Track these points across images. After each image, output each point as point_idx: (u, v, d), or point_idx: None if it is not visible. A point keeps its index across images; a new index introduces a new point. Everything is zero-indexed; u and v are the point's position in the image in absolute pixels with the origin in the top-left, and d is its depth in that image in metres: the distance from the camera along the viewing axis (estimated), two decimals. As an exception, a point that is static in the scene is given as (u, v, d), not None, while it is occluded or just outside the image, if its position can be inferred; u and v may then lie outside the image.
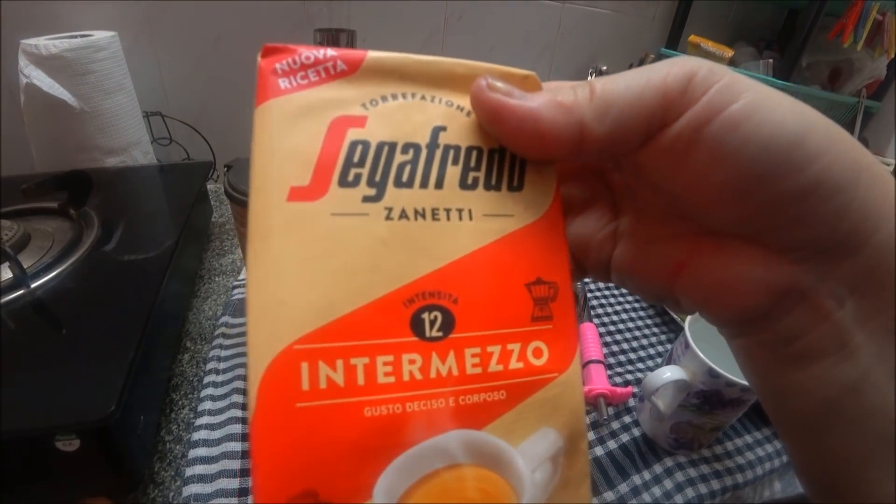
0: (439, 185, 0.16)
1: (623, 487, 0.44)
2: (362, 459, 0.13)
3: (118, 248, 0.49)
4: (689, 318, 0.44)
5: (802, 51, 0.93)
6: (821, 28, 0.93)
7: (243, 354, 0.49)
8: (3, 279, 0.42)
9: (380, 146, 0.15)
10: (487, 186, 0.16)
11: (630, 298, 0.69)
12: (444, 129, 0.16)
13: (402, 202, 0.15)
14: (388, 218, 0.15)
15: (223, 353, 0.49)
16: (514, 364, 0.15)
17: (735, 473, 0.47)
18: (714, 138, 0.14)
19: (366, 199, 0.15)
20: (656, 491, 0.44)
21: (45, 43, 0.61)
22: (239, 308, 0.55)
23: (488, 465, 0.14)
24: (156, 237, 0.51)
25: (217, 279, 0.61)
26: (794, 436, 0.17)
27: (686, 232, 0.17)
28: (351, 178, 0.15)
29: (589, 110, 0.15)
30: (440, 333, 0.14)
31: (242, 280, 0.60)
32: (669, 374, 0.41)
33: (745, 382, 0.38)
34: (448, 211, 0.15)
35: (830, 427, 0.15)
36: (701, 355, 0.40)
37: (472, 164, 0.16)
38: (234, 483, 0.39)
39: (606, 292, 0.69)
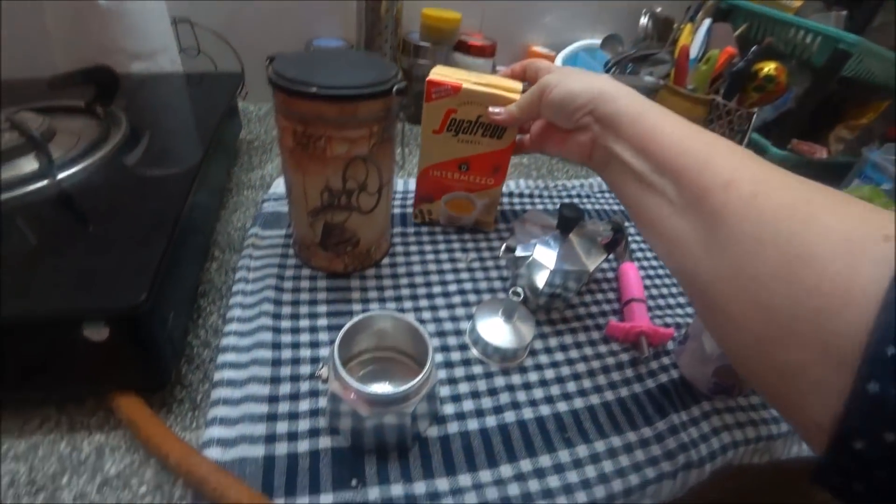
0: (476, 133, 0.50)
1: (661, 424, 0.42)
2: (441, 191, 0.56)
3: (147, 150, 0.47)
4: None
5: (878, 10, 0.87)
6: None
7: (273, 265, 0.48)
8: (28, 170, 0.40)
9: (461, 121, 0.50)
10: (491, 136, 0.50)
11: (670, 246, 0.66)
12: (482, 115, 0.49)
13: (463, 138, 0.51)
14: (458, 141, 0.51)
15: (252, 264, 0.48)
16: (485, 182, 0.54)
17: (770, 424, 0.45)
18: (547, 102, 0.43)
19: (453, 135, 0.51)
20: (693, 431, 0.42)
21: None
22: (269, 220, 0.53)
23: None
24: (185, 143, 0.49)
25: (246, 192, 0.59)
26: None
27: (563, 132, 0.45)
28: (449, 129, 0.50)
29: (518, 113, 0.47)
30: (467, 170, 0.53)
31: (273, 193, 0.57)
32: None
33: None
34: (479, 143, 0.51)
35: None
36: None
37: (488, 129, 0.50)
38: (264, 389, 0.38)
39: (646, 238, 0.66)
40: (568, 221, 0.44)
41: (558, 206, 0.50)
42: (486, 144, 0.51)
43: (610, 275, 0.58)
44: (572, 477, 0.37)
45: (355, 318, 0.35)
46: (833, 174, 0.88)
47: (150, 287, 0.32)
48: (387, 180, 0.44)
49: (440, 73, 0.49)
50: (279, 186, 0.59)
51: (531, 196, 0.68)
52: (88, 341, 0.31)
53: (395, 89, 0.38)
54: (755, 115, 0.86)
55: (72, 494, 0.31)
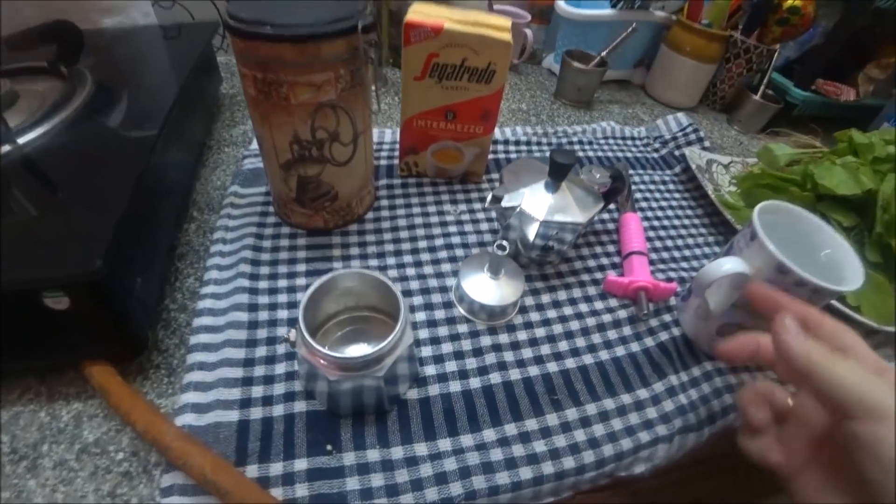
0: (461, 79, 0.47)
1: (658, 386, 0.40)
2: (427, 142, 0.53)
3: (112, 108, 0.44)
4: (759, 205, 0.38)
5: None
6: None
7: (252, 224, 0.46)
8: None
9: (444, 66, 0.46)
10: (478, 81, 0.47)
11: (677, 195, 0.62)
12: (467, 59, 0.45)
13: (449, 84, 0.47)
14: (442, 87, 0.47)
15: (231, 223, 0.46)
16: (474, 130, 0.51)
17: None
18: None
19: (436, 82, 0.47)
20: (693, 393, 0.40)
21: None
22: (249, 177, 0.50)
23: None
24: (153, 98, 0.46)
25: (226, 150, 0.57)
26: None
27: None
28: (432, 75, 0.46)
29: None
30: (454, 119, 0.50)
31: (253, 150, 0.55)
32: (730, 265, 0.35)
33: (817, 281, 0.33)
34: (466, 89, 0.47)
35: None
36: (771, 247, 0.34)
37: (474, 73, 0.46)
38: (239, 353, 0.36)
39: (652, 186, 0.62)
40: (559, 168, 0.40)
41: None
42: (473, 90, 0.47)
43: (610, 226, 0.55)
44: (559, 441, 0.35)
45: (320, 280, 0.33)
46: (860, 117, 0.82)
47: (105, 253, 0.30)
48: (362, 129, 0.41)
49: (420, 12, 0.44)
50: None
51: (528, 143, 0.64)
52: (52, 310, 0.30)
53: (360, 26, 0.34)
54: (777, 53, 0.79)
55: (52, 462, 0.31)
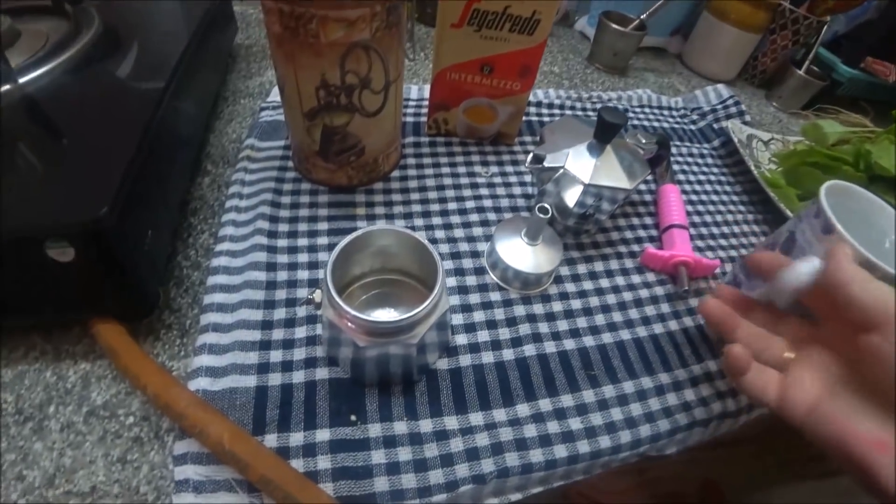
0: (503, 28, 0.42)
1: (696, 368, 0.38)
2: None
3: (120, 50, 0.41)
4: (824, 187, 0.34)
5: None
6: None
7: (270, 179, 0.43)
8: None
9: (485, 13, 0.41)
10: (520, 31, 0.42)
11: (716, 169, 0.58)
12: (510, 6, 0.41)
13: (487, 33, 0.43)
14: (481, 37, 0.43)
15: (248, 178, 0.43)
16: (511, 86, 0.47)
17: None
18: None
19: (475, 30, 0.43)
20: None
21: None
22: (267, 130, 0.47)
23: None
24: (164, 42, 0.42)
25: (243, 101, 0.53)
26: None
27: None
28: (471, 22, 0.42)
29: None
30: (490, 73, 0.46)
31: (272, 101, 0.51)
32: (810, 269, 0.29)
33: None
34: (506, 40, 0.43)
35: None
36: (854, 243, 0.30)
37: (517, 23, 0.42)
38: (257, 314, 0.34)
39: (690, 159, 0.59)
40: (608, 127, 0.37)
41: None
42: (514, 41, 0.43)
43: (647, 197, 0.51)
44: (596, 419, 0.33)
45: (353, 235, 0.30)
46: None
47: (113, 199, 0.27)
48: (394, 77, 0.37)
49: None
50: (279, 95, 0.53)
51: (561, 107, 0.60)
52: (57, 263, 0.27)
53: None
54: (826, 27, 0.74)
55: (59, 424, 0.29)
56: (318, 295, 0.29)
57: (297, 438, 0.29)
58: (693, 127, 0.65)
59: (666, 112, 0.66)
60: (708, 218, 0.52)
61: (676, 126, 0.64)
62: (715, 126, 0.65)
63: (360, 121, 0.38)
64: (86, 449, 0.28)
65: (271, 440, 0.29)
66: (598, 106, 0.62)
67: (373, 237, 0.31)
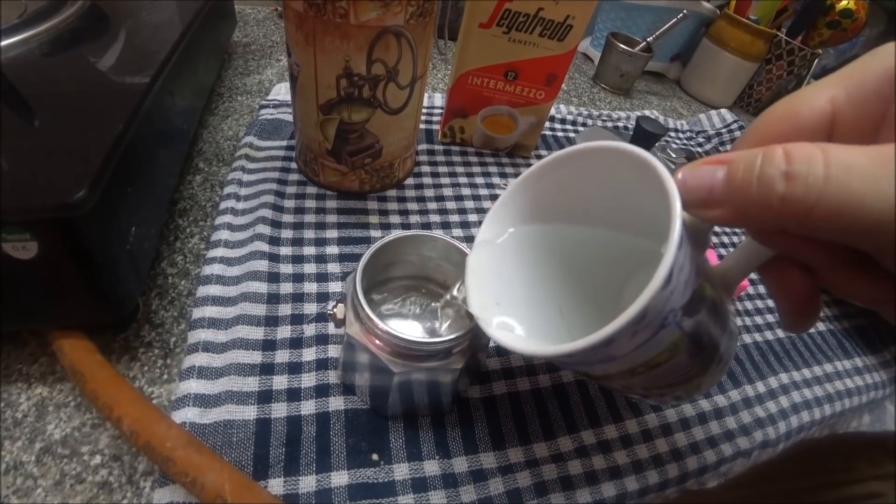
0: (533, 32, 0.40)
1: (734, 394, 0.36)
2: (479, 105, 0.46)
3: (109, 26, 0.36)
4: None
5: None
6: None
7: (272, 181, 0.38)
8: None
9: (516, 15, 0.39)
10: (551, 36, 0.40)
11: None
12: (543, 8, 0.38)
13: (516, 36, 0.40)
14: (509, 40, 0.40)
15: (245, 178, 0.38)
16: (535, 95, 0.44)
17: (843, 399, 0.39)
18: None
19: (504, 32, 0.40)
20: (771, 406, 0.36)
21: None
22: (268, 129, 0.43)
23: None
24: (156, 23, 0.38)
25: (240, 98, 0.49)
26: None
27: None
28: (500, 23, 0.39)
29: None
30: (514, 79, 0.43)
31: (273, 100, 0.47)
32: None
33: None
34: (535, 45, 0.41)
35: None
36: None
37: (548, 27, 0.39)
38: (257, 333, 0.29)
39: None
40: (647, 136, 0.35)
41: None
42: (542, 47, 0.40)
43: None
44: (642, 452, 0.30)
45: (386, 238, 0.26)
46: None
47: (91, 183, 0.22)
48: (421, 72, 0.34)
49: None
50: (280, 93, 0.48)
51: (574, 123, 0.58)
52: (13, 260, 0.22)
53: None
54: (817, 60, 0.76)
55: (3, 465, 0.23)
56: (340, 310, 0.24)
57: (308, 483, 0.24)
58: (699, 150, 0.64)
59: (672, 134, 0.65)
60: (735, 238, 0.50)
61: (684, 147, 0.63)
62: (720, 149, 0.64)
63: (381, 118, 0.34)
64: (37, 497, 0.22)
65: (276, 485, 0.23)
66: (609, 125, 0.60)
67: (408, 243, 0.27)
